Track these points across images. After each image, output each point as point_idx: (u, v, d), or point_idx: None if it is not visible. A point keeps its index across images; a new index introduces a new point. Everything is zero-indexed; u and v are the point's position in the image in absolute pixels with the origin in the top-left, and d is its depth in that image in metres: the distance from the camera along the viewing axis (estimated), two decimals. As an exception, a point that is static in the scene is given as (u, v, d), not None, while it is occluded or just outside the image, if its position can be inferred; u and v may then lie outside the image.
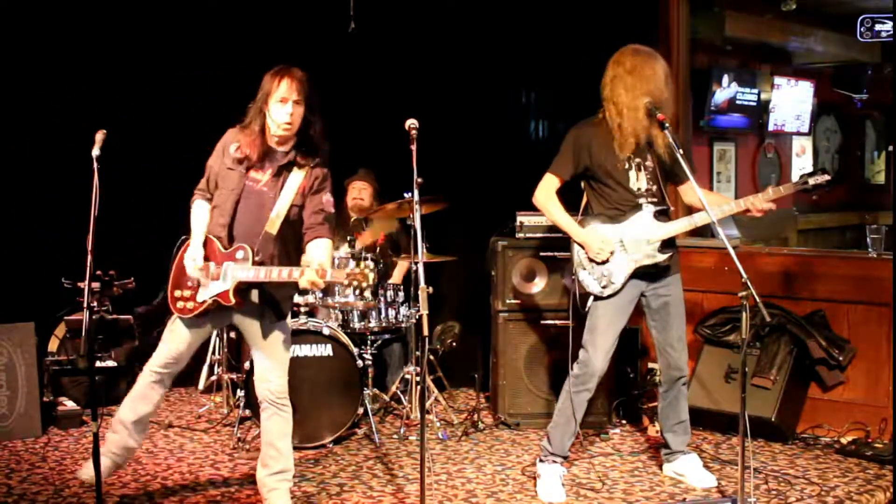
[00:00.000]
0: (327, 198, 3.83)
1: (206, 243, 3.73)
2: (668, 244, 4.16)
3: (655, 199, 4.16)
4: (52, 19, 5.59)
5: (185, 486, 4.32)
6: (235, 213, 3.72)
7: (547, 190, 4.23)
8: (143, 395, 3.87)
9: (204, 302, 3.71)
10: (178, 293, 3.76)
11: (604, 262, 4.14)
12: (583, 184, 4.27)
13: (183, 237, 3.91)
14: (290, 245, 3.78)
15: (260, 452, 3.92)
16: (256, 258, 3.65)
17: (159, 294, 5.65)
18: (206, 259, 3.70)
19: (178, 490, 4.26)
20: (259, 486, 3.92)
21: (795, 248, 7.26)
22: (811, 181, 4.07)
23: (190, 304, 3.73)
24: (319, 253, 3.74)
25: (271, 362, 3.82)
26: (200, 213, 3.80)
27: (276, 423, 3.84)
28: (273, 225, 3.69)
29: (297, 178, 3.73)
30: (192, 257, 3.69)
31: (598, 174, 4.15)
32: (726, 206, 4.10)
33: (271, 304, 3.79)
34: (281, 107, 3.65)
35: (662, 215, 4.16)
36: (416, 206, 3.76)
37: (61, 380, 5.45)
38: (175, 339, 3.83)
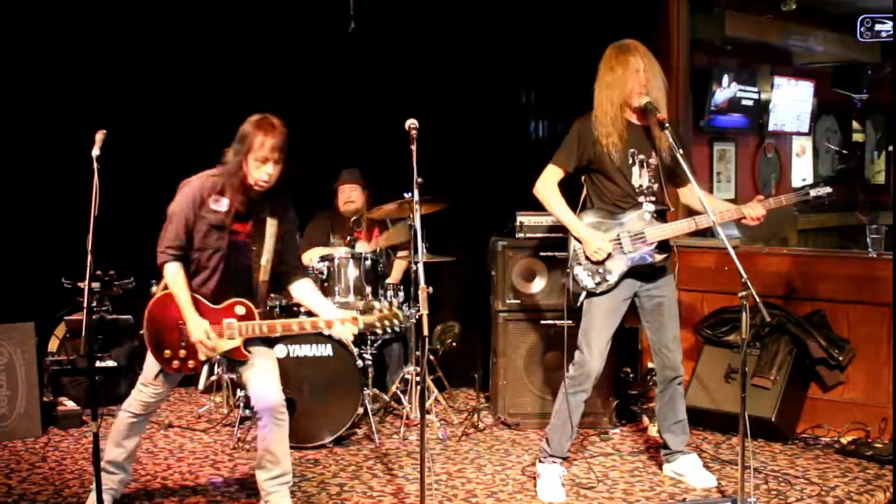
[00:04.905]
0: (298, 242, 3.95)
1: (194, 302, 3.69)
2: (663, 245, 4.16)
3: (655, 199, 4.15)
4: (53, 19, 5.59)
5: (185, 486, 4.33)
6: (225, 270, 3.71)
7: (549, 181, 4.18)
8: (127, 433, 3.86)
9: (209, 359, 3.73)
10: (168, 353, 3.70)
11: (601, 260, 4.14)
12: (583, 177, 4.25)
13: (153, 291, 3.87)
14: (268, 286, 3.83)
15: (257, 454, 3.92)
16: (258, 310, 3.70)
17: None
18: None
19: (178, 490, 4.27)
20: (259, 490, 3.92)
21: (795, 248, 7.25)
22: (812, 193, 4.07)
23: (191, 363, 3.74)
24: (315, 295, 3.85)
25: (269, 376, 3.81)
26: (183, 281, 3.68)
27: (274, 432, 3.84)
28: (265, 272, 3.75)
29: (272, 225, 3.77)
30: (202, 331, 3.63)
31: (600, 167, 4.14)
32: (724, 211, 4.10)
33: None
34: (261, 166, 3.61)
35: (660, 216, 4.16)
36: (416, 206, 3.77)
37: (61, 380, 5.45)
38: (160, 385, 3.80)
